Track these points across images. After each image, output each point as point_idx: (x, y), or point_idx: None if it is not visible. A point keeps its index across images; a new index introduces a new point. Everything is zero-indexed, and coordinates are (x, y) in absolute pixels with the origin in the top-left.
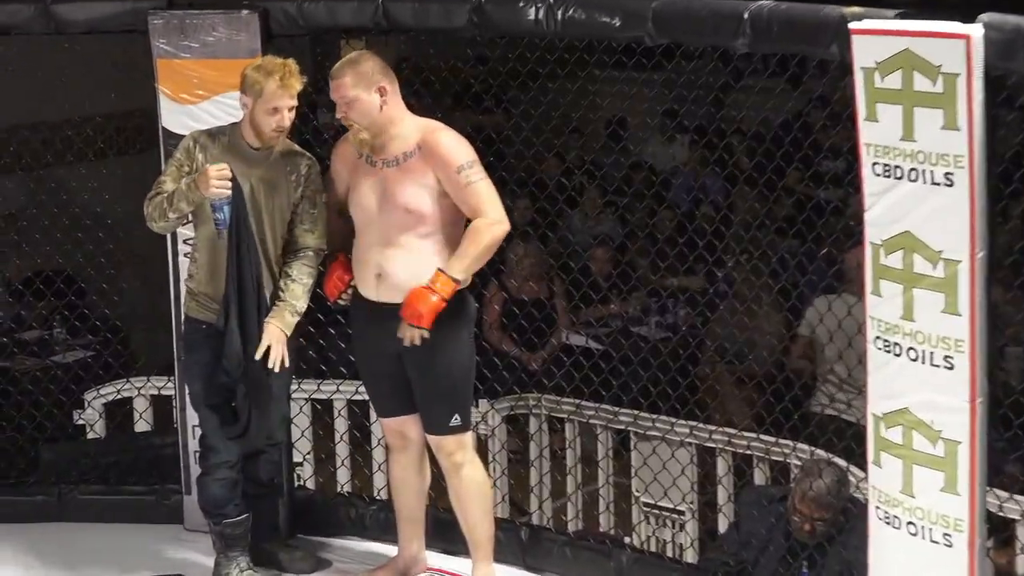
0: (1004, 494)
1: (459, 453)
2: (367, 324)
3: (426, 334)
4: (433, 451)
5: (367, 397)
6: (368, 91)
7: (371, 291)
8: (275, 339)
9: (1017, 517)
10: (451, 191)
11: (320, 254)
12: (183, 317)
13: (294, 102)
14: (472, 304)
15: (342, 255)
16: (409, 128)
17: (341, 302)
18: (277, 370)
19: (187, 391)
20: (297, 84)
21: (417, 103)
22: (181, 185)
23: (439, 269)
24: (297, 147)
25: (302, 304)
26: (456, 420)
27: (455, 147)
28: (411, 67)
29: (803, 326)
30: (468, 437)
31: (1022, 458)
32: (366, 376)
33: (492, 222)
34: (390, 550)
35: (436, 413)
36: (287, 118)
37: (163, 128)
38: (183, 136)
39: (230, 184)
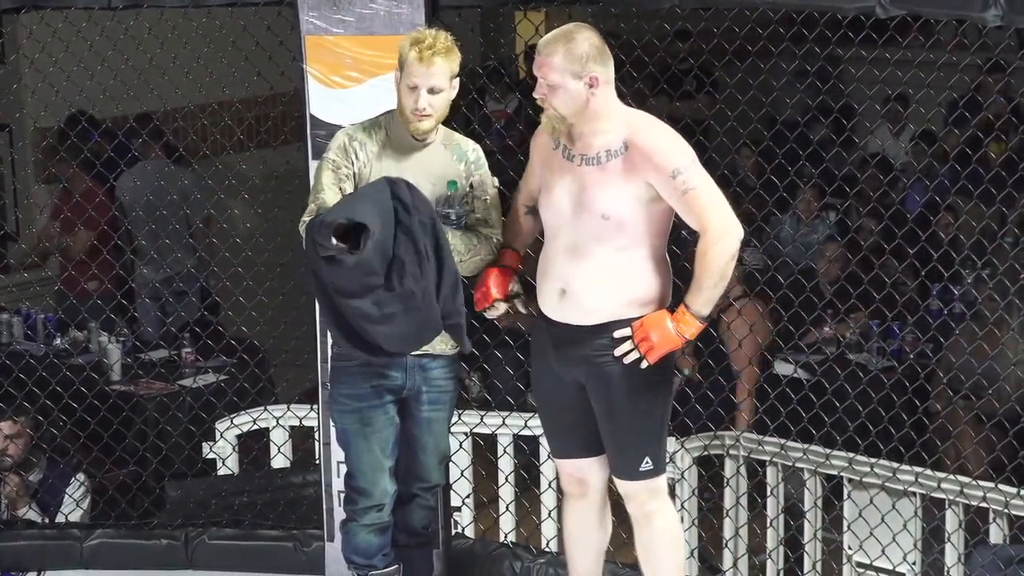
0: None
1: (652, 501)
2: (548, 348)
3: (643, 364)
4: (622, 499)
5: (537, 432)
6: (577, 80)
7: (553, 309)
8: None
9: None
10: (668, 199)
11: (493, 242)
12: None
13: (436, 83)
14: None
15: (510, 257)
16: (617, 122)
17: (487, 315)
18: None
19: (332, 424)
20: (441, 63)
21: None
22: None
23: (684, 304)
24: (457, 133)
25: (460, 244)
26: (647, 464)
27: (669, 147)
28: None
29: None
30: (661, 482)
31: None
32: (543, 409)
33: (716, 238)
34: None
35: (625, 455)
36: (424, 100)
37: (311, 115)
38: (332, 125)
39: None
